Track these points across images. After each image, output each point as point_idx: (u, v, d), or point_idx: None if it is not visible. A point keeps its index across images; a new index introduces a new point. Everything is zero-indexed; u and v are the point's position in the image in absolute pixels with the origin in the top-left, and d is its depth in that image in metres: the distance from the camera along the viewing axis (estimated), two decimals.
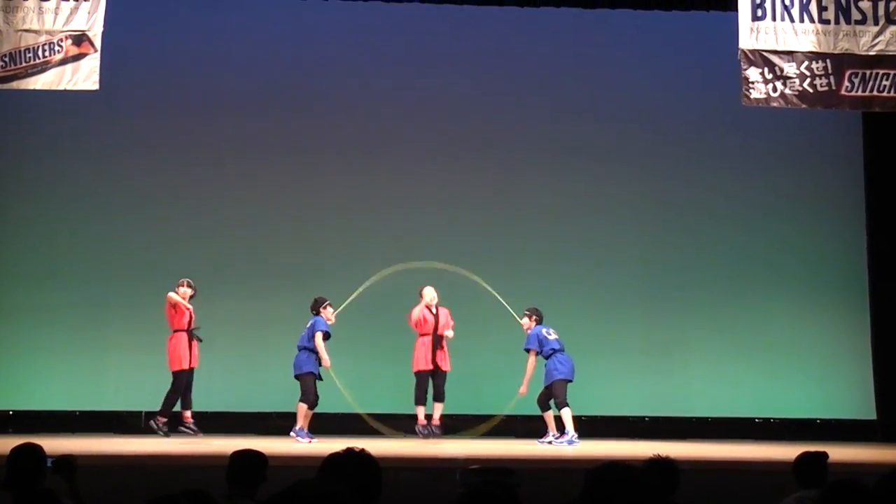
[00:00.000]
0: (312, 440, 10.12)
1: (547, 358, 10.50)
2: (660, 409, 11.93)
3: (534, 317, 10.66)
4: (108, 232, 11.83)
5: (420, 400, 10.55)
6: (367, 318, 11.20)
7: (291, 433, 10.18)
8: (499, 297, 10.78)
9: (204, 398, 10.98)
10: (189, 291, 10.56)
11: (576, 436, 10.21)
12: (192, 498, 3.64)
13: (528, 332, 10.62)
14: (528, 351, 10.56)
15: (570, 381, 10.42)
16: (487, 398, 11.19)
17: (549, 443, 10.30)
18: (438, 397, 10.59)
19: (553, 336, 10.52)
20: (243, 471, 5.04)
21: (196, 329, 10.52)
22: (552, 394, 10.40)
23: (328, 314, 10.52)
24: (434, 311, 10.67)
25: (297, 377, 10.39)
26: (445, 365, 10.60)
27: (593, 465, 3.10)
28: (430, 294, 10.70)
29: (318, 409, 10.47)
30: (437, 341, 10.59)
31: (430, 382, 10.59)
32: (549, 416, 10.42)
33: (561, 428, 10.35)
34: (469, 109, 12.21)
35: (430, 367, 10.52)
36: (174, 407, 10.40)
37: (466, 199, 11.99)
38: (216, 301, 11.63)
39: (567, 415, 10.30)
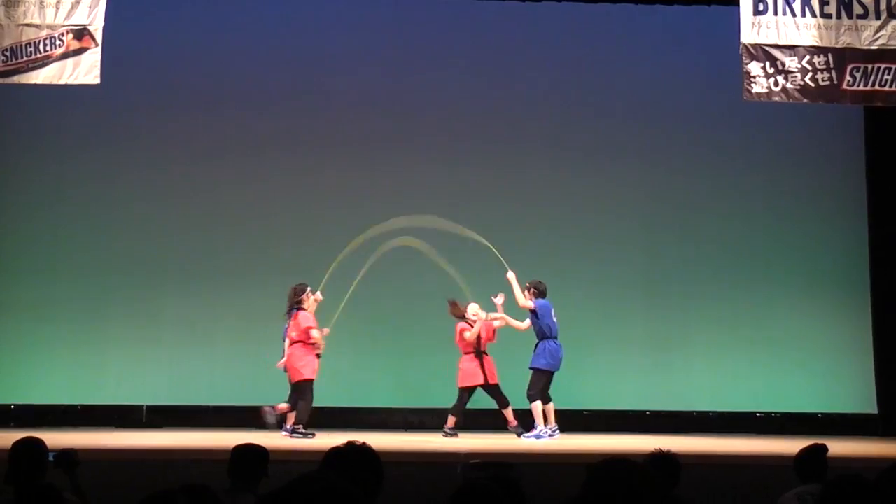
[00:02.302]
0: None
1: (541, 339, 10.26)
2: (661, 403, 11.93)
3: (532, 290, 10.33)
4: (108, 226, 11.83)
5: (460, 412, 10.41)
6: (366, 311, 11.21)
7: (283, 432, 10.13)
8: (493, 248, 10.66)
9: (205, 392, 11.01)
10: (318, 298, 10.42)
11: (547, 431, 10.03)
12: (193, 492, 3.63)
13: (533, 302, 10.28)
14: (531, 312, 10.25)
15: (554, 372, 10.24)
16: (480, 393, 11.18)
17: (538, 436, 10.12)
18: (504, 404, 10.44)
19: (556, 321, 10.36)
20: (245, 465, 5.05)
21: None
22: (531, 380, 10.14)
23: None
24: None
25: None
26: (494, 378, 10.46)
27: (594, 459, 3.10)
28: (475, 309, 10.58)
29: (318, 404, 10.46)
30: (481, 354, 10.52)
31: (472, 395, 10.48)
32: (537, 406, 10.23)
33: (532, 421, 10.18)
34: (470, 104, 12.20)
35: (482, 381, 10.42)
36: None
37: (467, 193, 11.98)
38: (217, 295, 11.66)
39: (538, 408, 10.07)
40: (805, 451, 5.50)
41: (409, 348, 11.21)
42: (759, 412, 12.04)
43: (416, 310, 11.64)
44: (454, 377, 10.58)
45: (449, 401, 10.65)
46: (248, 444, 5.22)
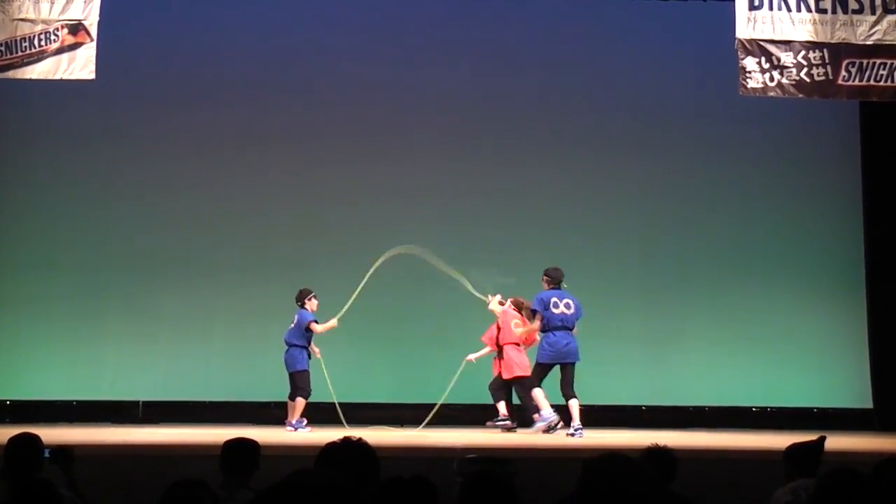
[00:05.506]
0: (310, 428, 10.13)
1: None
2: (657, 398, 11.94)
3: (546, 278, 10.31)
4: (105, 221, 11.82)
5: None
6: (363, 306, 11.21)
7: (288, 427, 10.13)
8: (469, 287, 10.69)
9: (202, 388, 10.98)
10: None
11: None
12: (189, 487, 3.64)
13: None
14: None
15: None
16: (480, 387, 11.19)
17: (572, 434, 10.05)
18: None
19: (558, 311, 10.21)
20: (236, 459, 5.03)
21: None
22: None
23: (313, 305, 10.49)
24: None
25: (292, 374, 10.34)
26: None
27: (590, 454, 3.11)
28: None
29: (315, 399, 10.47)
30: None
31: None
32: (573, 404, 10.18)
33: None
34: (467, 99, 12.19)
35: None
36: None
37: (465, 188, 11.98)
38: (214, 290, 11.66)
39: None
40: (795, 448, 5.46)
41: (405, 344, 11.17)
42: (755, 407, 12.06)
43: (412, 306, 11.65)
44: (449, 372, 10.57)
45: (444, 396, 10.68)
46: (239, 439, 5.18)
